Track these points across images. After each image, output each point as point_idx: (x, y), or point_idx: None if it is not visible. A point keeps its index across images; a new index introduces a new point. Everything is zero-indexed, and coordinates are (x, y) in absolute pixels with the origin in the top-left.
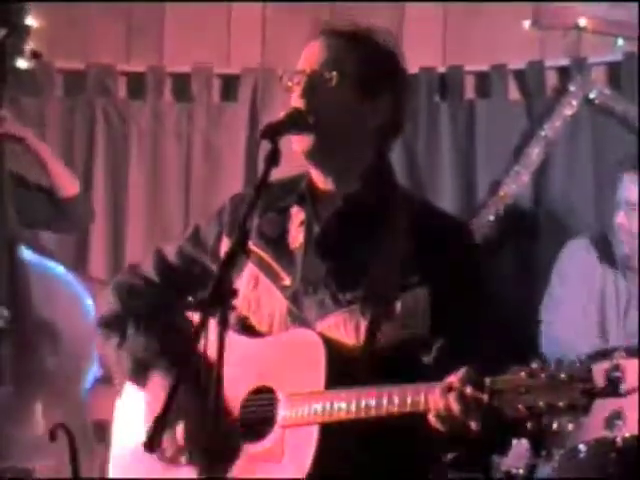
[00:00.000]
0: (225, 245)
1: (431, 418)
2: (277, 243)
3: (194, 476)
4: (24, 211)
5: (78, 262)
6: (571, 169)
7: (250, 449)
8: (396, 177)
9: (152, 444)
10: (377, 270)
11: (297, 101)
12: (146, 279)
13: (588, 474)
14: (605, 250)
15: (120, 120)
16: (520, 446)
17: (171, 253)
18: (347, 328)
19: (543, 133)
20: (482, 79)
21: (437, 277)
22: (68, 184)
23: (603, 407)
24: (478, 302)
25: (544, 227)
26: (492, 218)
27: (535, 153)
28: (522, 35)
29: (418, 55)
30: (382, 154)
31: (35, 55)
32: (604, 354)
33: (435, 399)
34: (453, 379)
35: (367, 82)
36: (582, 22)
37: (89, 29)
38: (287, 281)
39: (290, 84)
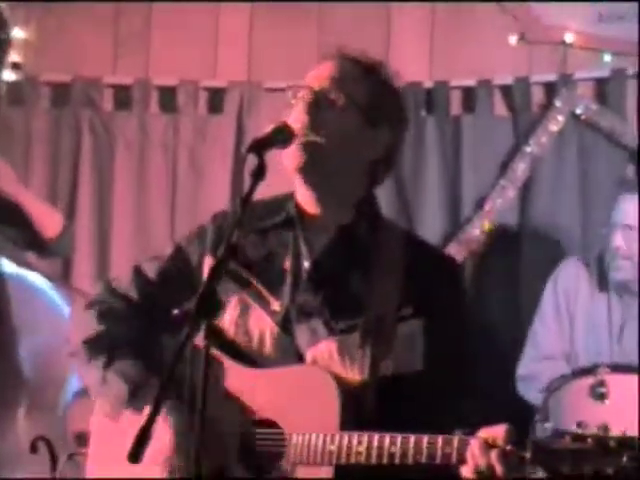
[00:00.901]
0: (208, 264)
1: (467, 473)
2: (262, 265)
3: None
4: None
5: (63, 272)
6: (557, 184)
7: None
8: (380, 208)
9: (137, 456)
10: (373, 304)
11: (300, 116)
12: (126, 298)
13: None
14: (597, 272)
15: (106, 132)
16: None
17: (151, 271)
18: (339, 357)
19: (529, 148)
20: (468, 94)
21: (430, 309)
22: (50, 225)
23: (587, 423)
24: (467, 332)
25: (529, 242)
26: (478, 233)
27: (521, 168)
28: (508, 51)
29: (405, 70)
30: (372, 185)
31: (16, 67)
32: (589, 370)
33: (475, 454)
34: (492, 435)
35: (371, 112)
36: (569, 37)
37: (76, 41)
38: (276, 306)
39: (293, 100)
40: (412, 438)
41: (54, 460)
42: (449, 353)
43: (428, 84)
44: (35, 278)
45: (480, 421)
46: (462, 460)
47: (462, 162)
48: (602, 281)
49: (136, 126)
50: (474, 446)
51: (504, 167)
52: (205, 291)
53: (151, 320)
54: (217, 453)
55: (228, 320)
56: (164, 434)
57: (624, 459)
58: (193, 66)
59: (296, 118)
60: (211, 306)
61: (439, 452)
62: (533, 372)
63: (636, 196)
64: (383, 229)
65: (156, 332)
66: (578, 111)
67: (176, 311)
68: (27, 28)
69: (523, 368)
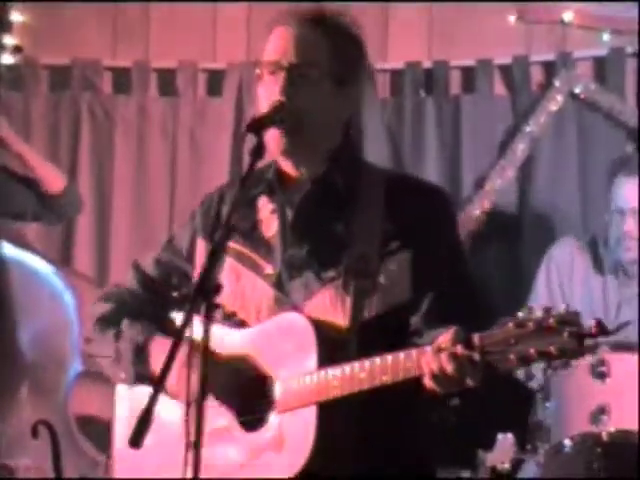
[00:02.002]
0: (200, 247)
1: (427, 381)
2: (251, 234)
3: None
4: (8, 201)
5: (63, 256)
6: (556, 164)
7: (252, 438)
8: (361, 153)
9: (137, 441)
10: (354, 245)
11: (276, 96)
12: (131, 292)
13: (573, 469)
14: (592, 253)
15: (105, 115)
16: (505, 441)
17: (149, 265)
18: (333, 305)
19: (528, 128)
20: (467, 74)
21: (418, 238)
22: (53, 180)
23: (588, 402)
24: (460, 257)
25: (529, 222)
26: (478, 213)
27: (520, 148)
28: (507, 30)
29: (404, 50)
30: (347, 133)
31: (17, 50)
32: (589, 349)
33: (428, 361)
34: (442, 339)
35: (341, 73)
36: (567, 16)
37: (75, 24)
38: (269, 269)
39: (263, 74)
40: (377, 358)
41: (56, 444)
42: (451, 274)
43: (427, 64)
44: (36, 262)
45: None
46: (421, 371)
47: (461, 142)
48: (597, 262)
49: (135, 109)
50: (427, 353)
51: (503, 147)
52: (204, 272)
53: (155, 305)
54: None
55: (229, 295)
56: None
57: (565, 336)
58: (192, 48)
59: (272, 97)
60: (210, 287)
61: (401, 367)
62: None
63: (637, 177)
64: (363, 172)
65: (161, 313)
66: (577, 90)
67: (175, 294)
68: (26, 11)
69: None
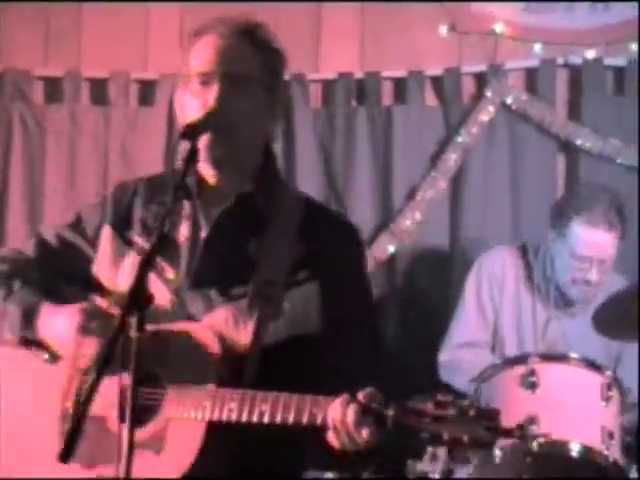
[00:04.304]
0: (106, 235)
1: (329, 435)
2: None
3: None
4: None
5: None
6: (488, 174)
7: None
8: (282, 175)
9: (66, 455)
10: (263, 268)
11: (208, 105)
12: (27, 258)
13: (504, 479)
14: (523, 260)
15: (37, 125)
16: (436, 451)
17: (50, 235)
18: (235, 323)
19: (460, 139)
20: (399, 85)
21: (326, 271)
22: None
23: (518, 412)
24: (365, 293)
25: (460, 232)
26: (409, 223)
27: (452, 159)
28: (439, 41)
29: (336, 60)
30: (269, 152)
31: None
32: (519, 359)
33: (334, 409)
34: (359, 395)
35: (269, 83)
36: (499, 27)
37: (5, 34)
38: (171, 274)
39: (196, 86)
40: (282, 396)
41: None
42: (352, 311)
43: (359, 75)
44: None
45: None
46: (326, 421)
47: (393, 153)
48: (527, 270)
49: (67, 118)
50: (336, 402)
51: (435, 158)
52: (135, 284)
53: (47, 275)
54: None
55: (125, 286)
56: None
57: (480, 428)
58: (124, 58)
59: (202, 107)
60: (142, 297)
61: (306, 412)
62: (454, 358)
63: (605, 229)
64: (282, 195)
65: (52, 284)
66: (508, 101)
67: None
68: None
69: (444, 354)
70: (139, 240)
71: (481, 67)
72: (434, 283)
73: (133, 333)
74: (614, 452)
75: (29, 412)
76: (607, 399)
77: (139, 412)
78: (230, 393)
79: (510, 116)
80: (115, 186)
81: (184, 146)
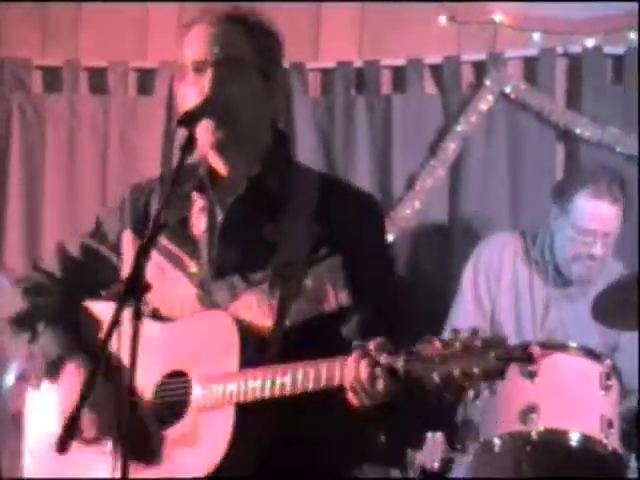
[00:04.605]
0: (127, 239)
1: (348, 394)
2: (179, 231)
3: (110, 465)
4: None
5: None
6: (487, 163)
7: (168, 434)
8: (292, 154)
9: (64, 445)
10: (283, 249)
11: (205, 93)
12: (50, 275)
13: (503, 468)
14: (522, 247)
15: (36, 114)
16: (435, 440)
17: (74, 247)
18: (259, 307)
19: (459, 128)
20: (398, 74)
21: (348, 246)
22: None
23: (517, 401)
24: (388, 266)
25: (459, 221)
26: (408, 212)
27: (451, 148)
28: (438, 30)
29: (335, 49)
30: (278, 133)
31: None
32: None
33: (349, 369)
34: (368, 348)
35: (265, 67)
36: (498, 17)
37: (4, 23)
38: (193, 268)
39: (192, 75)
40: (300, 366)
41: None
42: (376, 288)
43: (358, 64)
44: None
45: None
46: (343, 382)
47: (392, 142)
48: (526, 257)
49: (66, 108)
50: (349, 361)
51: (434, 147)
52: (132, 273)
53: (74, 294)
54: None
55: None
56: None
57: (490, 358)
58: (123, 47)
59: (199, 95)
60: (139, 286)
61: (324, 375)
62: None
63: (609, 202)
64: (294, 175)
65: (79, 308)
66: (508, 90)
67: (105, 293)
68: None
69: None
70: (160, 240)
71: (480, 56)
72: (434, 271)
73: (130, 321)
74: (613, 441)
75: None
76: (606, 388)
77: (173, 409)
78: (252, 373)
79: (509, 105)
80: (131, 188)
81: (182, 134)
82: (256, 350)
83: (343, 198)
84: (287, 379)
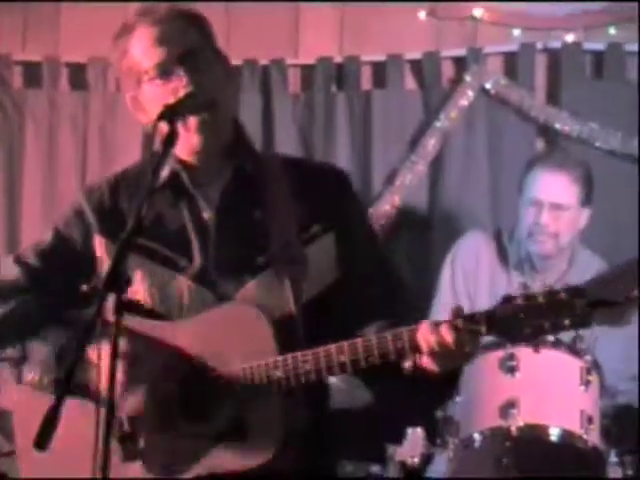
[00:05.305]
0: (100, 245)
1: (424, 360)
2: (155, 229)
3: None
4: None
5: None
6: (467, 159)
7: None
8: (272, 149)
9: (42, 443)
10: (277, 232)
11: (170, 97)
12: (16, 285)
13: (483, 463)
14: (498, 246)
15: (15, 110)
16: (415, 435)
17: (31, 256)
18: (269, 292)
19: (439, 123)
20: (378, 69)
21: (335, 219)
22: None
23: (498, 396)
24: (374, 234)
25: (439, 217)
26: (388, 208)
27: (431, 143)
28: (418, 25)
29: (315, 45)
30: (238, 122)
31: None
32: (498, 344)
33: (425, 337)
34: (451, 313)
35: (219, 56)
36: (478, 12)
37: None
38: (184, 262)
39: (156, 79)
40: (360, 342)
41: None
42: (370, 255)
43: (338, 59)
44: None
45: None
46: (415, 348)
47: (372, 137)
48: (502, 255)
49: (46, 103)
50: (422, 328)
51: (414, 142)
52: (113, 266)
53: (44, 301)
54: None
55: (142, 293)
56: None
57: (577, 307)
58: (103, 43)
59: (164, 99)
60: (119, 280)
61: (391, 347)
62: None
63: (560, 173)
64: (263, 161)
65: (55, 311)
66: (487, 85)
67: (84, 287)
68: None
69: None
70: (140, 240)
71: (460, 51)
72: (412, 267)
73: (111, 315)
74: (593, 437)
75: None
76: (586, 383)
77: (204, 408)
78: (300, 356)
79: (489, 100)
80: (85, 192)
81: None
82: (286, 336)
83: (314, 175)
84: (345, 357)
